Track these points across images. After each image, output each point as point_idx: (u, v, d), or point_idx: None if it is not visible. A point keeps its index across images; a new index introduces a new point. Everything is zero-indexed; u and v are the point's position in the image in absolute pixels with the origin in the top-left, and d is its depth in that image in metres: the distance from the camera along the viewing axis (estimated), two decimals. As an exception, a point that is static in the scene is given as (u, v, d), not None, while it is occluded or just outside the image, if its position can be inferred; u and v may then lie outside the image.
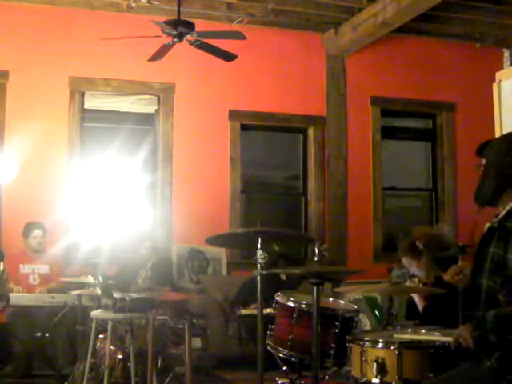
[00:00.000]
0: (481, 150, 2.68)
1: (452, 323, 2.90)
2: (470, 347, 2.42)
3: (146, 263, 5.93)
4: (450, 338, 2.53)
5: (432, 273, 4.21)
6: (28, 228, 6.02)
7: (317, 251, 3.33)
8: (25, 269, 5.94)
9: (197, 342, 5.41)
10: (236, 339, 6.01)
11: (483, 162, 2.64)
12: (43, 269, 5.97)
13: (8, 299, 5.46)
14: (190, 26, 5.51)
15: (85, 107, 6.88)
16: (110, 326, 4.06)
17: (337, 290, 4.57)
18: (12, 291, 5.67)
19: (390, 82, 7.76)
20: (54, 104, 6.68)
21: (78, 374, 4.50)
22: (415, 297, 4.20)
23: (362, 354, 3.12)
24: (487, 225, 2.62)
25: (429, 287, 4.14)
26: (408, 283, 4.35)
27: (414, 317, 4.31)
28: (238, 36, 5.68)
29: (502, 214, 2.52)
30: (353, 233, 7.48)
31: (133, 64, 6.82)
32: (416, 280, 4.33)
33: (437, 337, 2.97)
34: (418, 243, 4.56)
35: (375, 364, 3.04)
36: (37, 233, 5.99)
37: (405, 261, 4.74)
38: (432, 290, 4.09)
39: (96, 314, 4.20)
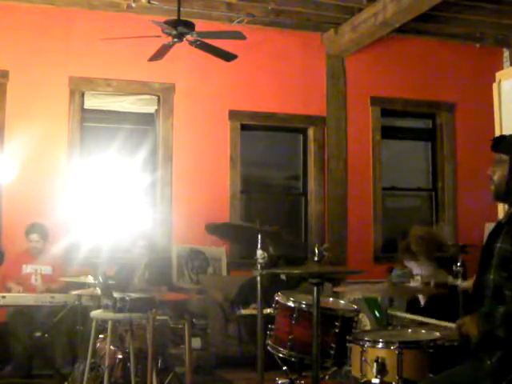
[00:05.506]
0: (497, 145, 2.60)
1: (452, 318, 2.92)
2: (472, 336, 2.41)
3: (141, 263, 5.94)
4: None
5: (435, 277, 4.23)
6: (27, 230, 6.02)
7: (317, 251, 3.33)
8: (28, 269, 5.95)
9: (197, 342, 5.42)
10: (236, 339, 6.01)
11: (503, 157, 2.55)
12: (46, 270, 5.98)
13: None
14: (190, 26, 5.50)
15: (85, 107, 6.88)
16: (109, 326, 4.06)
17: (336, 289, 4.57)
18: (11, 291, 5.68)
19: (390, 82, 7.76)
20: (54, 104, 6.67)
21: (78, 374, 4.51)
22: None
23: (362, 353, 3.13)
24: (487, 225, 2.62)
25: (428, 287, 4.16)
26: (411, 282, 4.37)
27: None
28: (238, 36, 5.68)
29: None
30: (353, 233, 7.48)
31: (133, 64, 6.82)
32: (419, 278, 4.34)
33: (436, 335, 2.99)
34: (411, 246, 4.59)
35: (375, 364, 3.04)
36: (33, 237, 5.99)
37: (406, 262, 4.78)
38: (431, 290, 4.10)
39: (96, 313, 4.20)
